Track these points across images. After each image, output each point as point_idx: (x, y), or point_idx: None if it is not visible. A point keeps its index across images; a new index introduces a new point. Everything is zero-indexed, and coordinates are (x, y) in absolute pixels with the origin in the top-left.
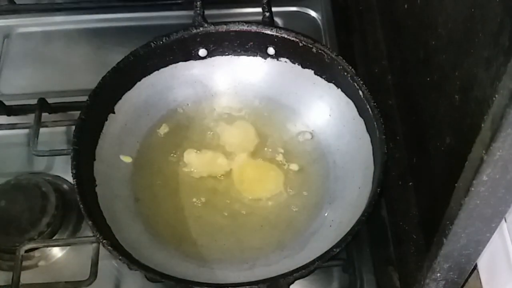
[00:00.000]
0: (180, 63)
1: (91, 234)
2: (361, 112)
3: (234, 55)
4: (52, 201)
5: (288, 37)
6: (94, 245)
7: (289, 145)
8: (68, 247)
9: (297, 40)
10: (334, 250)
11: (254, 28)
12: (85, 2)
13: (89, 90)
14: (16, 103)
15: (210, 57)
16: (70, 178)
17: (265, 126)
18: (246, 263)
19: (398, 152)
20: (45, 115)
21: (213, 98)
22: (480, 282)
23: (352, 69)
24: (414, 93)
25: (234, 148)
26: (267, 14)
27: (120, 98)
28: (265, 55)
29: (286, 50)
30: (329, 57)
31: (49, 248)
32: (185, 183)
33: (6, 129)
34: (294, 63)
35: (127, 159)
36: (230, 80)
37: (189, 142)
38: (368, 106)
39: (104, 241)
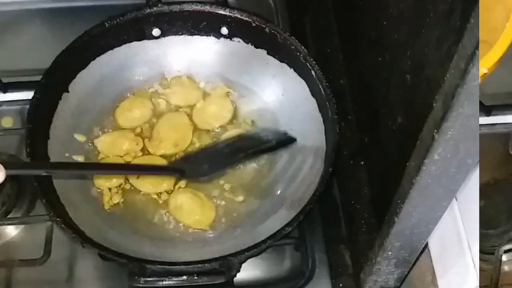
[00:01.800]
0: (134, 42)
1: (45, 213)
2: (314, 92)
3: (188, 35)
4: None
5: (241, 17)
6: (48, 223)
7: (241, 125)
8: (22, 225)
9: (250, 20)
10: (286, 229)
11: (207, 8)
12: None
13: (44, 70)
14: None
15: (164, 36)
16: (24, 157)
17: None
18: (199, 242)
19: (349, 132)
20: None
21: (166, 77)
22: (431, 261)
23: (305, 49)
24: (366, 73)
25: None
26: None
27: (74, 77)
28: (219, 35)
29: (239, 30)
30: (281, 37)
31: (3, 227)
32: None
33: None
34: (247, 43)
35: (81, 138)
36: (184, 60)
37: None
38: (320, 86)
39: (57, 219)
